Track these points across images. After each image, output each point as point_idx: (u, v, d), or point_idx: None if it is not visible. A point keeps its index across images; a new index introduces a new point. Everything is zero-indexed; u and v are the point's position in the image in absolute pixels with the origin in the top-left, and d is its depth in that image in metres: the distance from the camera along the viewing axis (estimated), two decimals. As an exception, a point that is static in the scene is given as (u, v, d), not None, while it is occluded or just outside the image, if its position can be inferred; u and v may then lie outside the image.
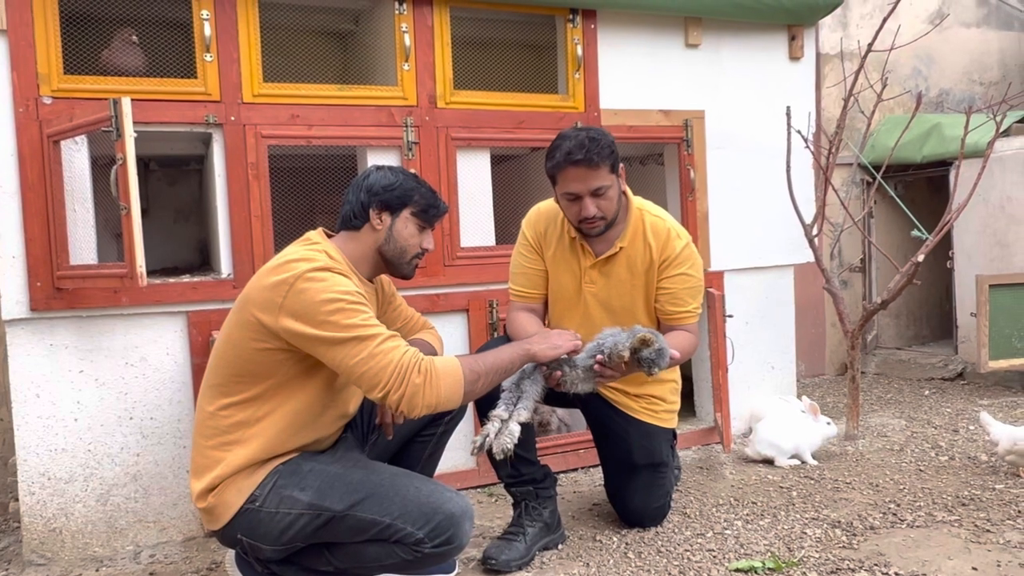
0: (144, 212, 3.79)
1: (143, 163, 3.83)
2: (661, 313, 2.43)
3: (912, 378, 4.80)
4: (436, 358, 1.90)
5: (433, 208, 2.14)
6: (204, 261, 3.82)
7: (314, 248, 2.00)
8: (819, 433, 3.20)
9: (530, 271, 2.50)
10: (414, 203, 2.10)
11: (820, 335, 5.06)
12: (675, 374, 2.60)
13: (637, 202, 2.46)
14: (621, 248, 2.41)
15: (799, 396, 3.66)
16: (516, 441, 2.05)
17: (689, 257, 2.42)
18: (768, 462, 3.19)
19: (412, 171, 2.22)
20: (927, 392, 4.42)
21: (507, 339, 2.38)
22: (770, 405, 3.48)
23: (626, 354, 2.09)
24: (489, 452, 2.10)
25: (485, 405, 2.23)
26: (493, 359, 1.99)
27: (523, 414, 2.08)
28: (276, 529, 1.92)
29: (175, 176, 3.95)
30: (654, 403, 2.52)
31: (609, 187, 2.30)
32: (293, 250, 2.01)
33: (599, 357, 2.12)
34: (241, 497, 1.93)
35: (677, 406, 2.61)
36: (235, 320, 1.96)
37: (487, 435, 2.04)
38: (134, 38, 2.71)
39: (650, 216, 2.44)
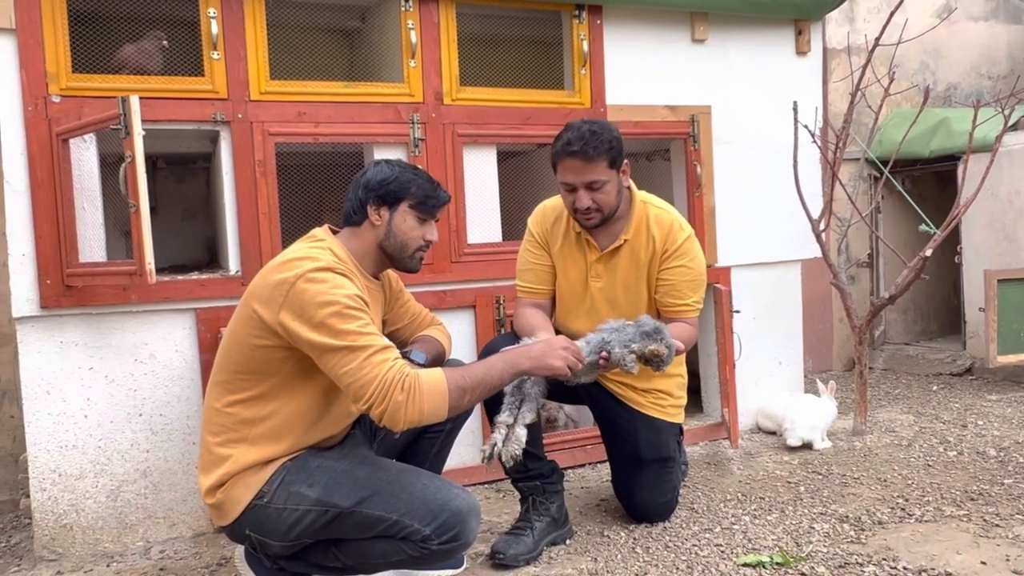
0: (152, 210, 3.80)
1: (151, 161, 3.84)
2: (661, 305, 2.44)
3: (920, 373, 4.79)
4: (423, 372, 1.87)
5: (432, 199, 2.12)
6: (212, 258, 3.83)
7: (318, 246, 2.01)
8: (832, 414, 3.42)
9: (537, 267, 2.51)
10: (411, 195, 2.09)
11: (828, 330, 5.05)
12: (681, 368, 2.60)
13: (641, 196, 2.47)
14: (625, 241, 2.42)
15: (806, 392, 3.67)
16: (524, 446, 2.06)
17: (690, 250, 2.43)
18: (807, 447, 3.31)
19: (413, 164, 2.20)
20: (935, 387, 4.41)
21: (513, 336, 2.38)
22: (782, 398, 3.49)
23: (635, 369, 2.11)
24: (499, 459, 2.11)
25: (492, 408, 2.24)
26: (483, 375, 1.93)
27: (528, 416, 2.08)
28: (284, 525, 1.93)
29: (183, 174, 3.97)
30: (661, 398, 2.52)
31: (606, 182, 2.31)
32: (298, 248, 2.01)
33: (604, 354, 2.11)
34: (249, 493, 1.93)
35: (683, 401, 2.61)
36: (239, 316, 1.97)
37: (495, 443, 2.05)
38: (165, 42, 2.71)
39: (654, 208, 2.46)
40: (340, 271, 1.92)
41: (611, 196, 2.34)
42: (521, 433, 2.06)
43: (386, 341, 1.89)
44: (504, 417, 2.09)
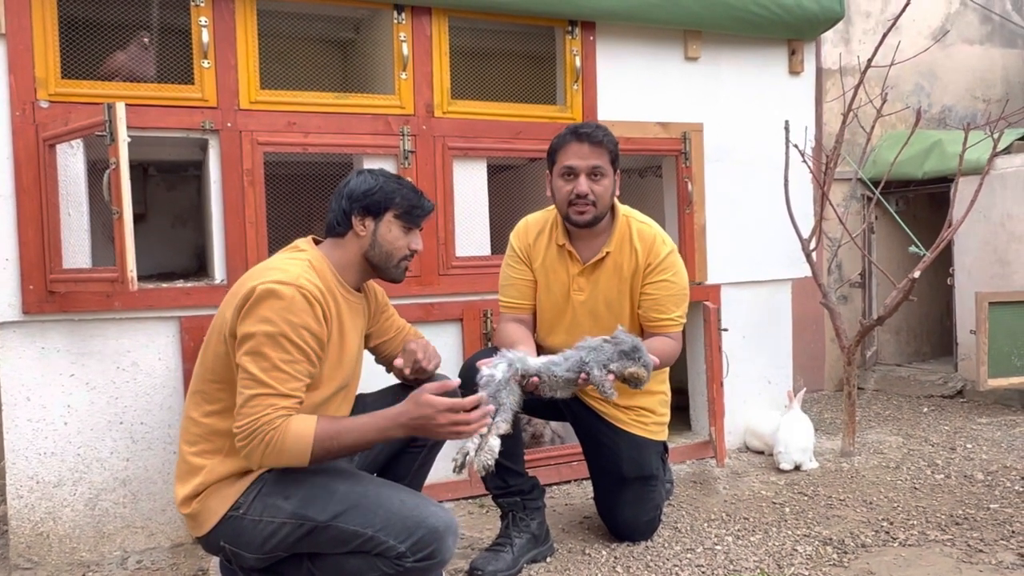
0: (142, 217, 3.84)
1: (142, 168, 3.84)
2: (644, 320, 2.43)
3: (911, 395, 4.77)
4: (292, 427, 1.82)
5: (417, 208, 2.11)
6: (201, 267, 3.83)
7: (297, 257, 1.99)
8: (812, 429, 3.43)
9: (519, 282, 2.50)
10: (396, 205, 2.07)
11: (819, 350, 5.03)
12: (664, 386, 2.59)
13: (623, 210, 2.48)
14: (608, 253, 2.42)
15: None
16: (496, 456, 2.02)
17: (673, 264, 2.43)
18: (796, 468, 3.30)
19: (396, 174, 2.18)
20: (926, 409, 4.39)
21: (495, 351, 2.35)
22: (771, 418, 3.47)
23: (614, 395, 2.12)
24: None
25: None
26: (354, 440, 1.89)
27: (502, 427, 2.05)
28: (259, 537, 1.91)
29: (174, 181, 3.96)
30: (643, 415, 2.50)
31: (606, 175, 2.35)
32: (275, 259, 2.01)
33: (583, 377, 2.10)
34: (225, 504, 1.91)
35: (667, 418, 2.59)
36: (214, 326, 1.97)
37: (467, 452, 2.02)
38: (145, 40, 2.71)
39: (636, 223, 2.46)
40: (307, 292, 1.89)
41: (607, 192, 2.37)
42: (495, 443, 2.02)
43: (291, 388, 1.85)
44: None
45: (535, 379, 2.12)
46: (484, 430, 2.02)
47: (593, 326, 2.39)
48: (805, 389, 3.51)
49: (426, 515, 1.90)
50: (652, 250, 2.41)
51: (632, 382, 2.11)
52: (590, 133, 2.33)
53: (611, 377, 2.09)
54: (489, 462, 2.00)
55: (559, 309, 2.48)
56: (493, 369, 2.08)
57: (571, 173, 2.34)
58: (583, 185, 2.32)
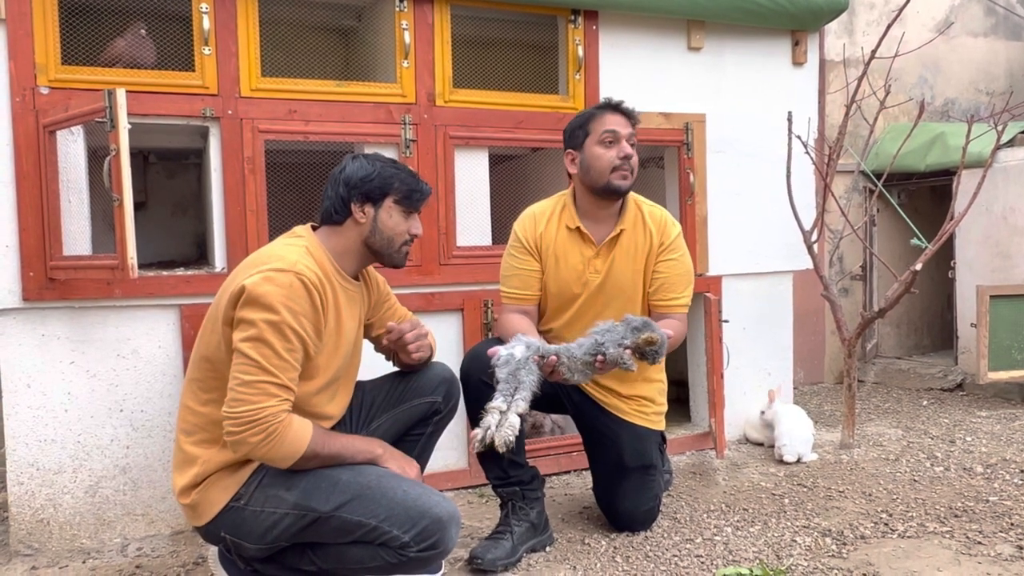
0: (142, 205, 3.83)
1: (143, 156, 3.83)
2: (653, 300, 2.47)
3: (911, 388, 4.77)
4: (295, 424, 1.85)
5: (416, 192, 2.09)
6: (202, 255, 3.82)
7: (295, 244, 1.98)
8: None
9: (523, 273, 2.49)
10: (395, 190, 2.06)
11: (820, 343, 5.03)
12: (662, 375, 2.60)
13: (631, 194, 2.51)
14: (622, 230, 2.44)
15: (794, 402, 3.65)
16: (517, 432, 2.01)
17: (681, 245, 2.51)
18: (798, 461, 3.30)
19: (391, 158, 2.16)
20: (926, 402, 4.39)
21: (497, 341, 2.34)
22: (771, 410, 3.46)
23: (634, 367, 2.11)
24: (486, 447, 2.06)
25: (473, 400, 2.23)
26: (339, 449, 1.95)
27: (521, 405, 2.03)
28: (261, 528, 1.90)
29: (174, 169, 3.95)
30: (644, 405, 2.51)
31: (635, 148, 2.43)
32: (273, 246, 2.01)
33: (600, 358, 2.11)
34: (226, 495, 1.91)
35: (665, 408, 2.60)
36: (211, 313, 1.96)
37: (488, 428, 1.99)
38: (143, 31, 2.71)
39: (647, 205, 2.52)
40: (305, 278, 1.88)
41: (637, 165, 2.44)
42: (515, 420, 2.01)
43: (291, 378, 1.86)
44: (498, 403, 2.04)
45: (553, 358, 2.11)
46: (504, 407, 2.02)
47: (604, 309, 2.41)
48: (781, 387, 3.51)
49: (430, 505, 1.90)
50: (664, 230, 2.47)
51: (649, 354, 2.11)
52: (625, 106, 2.42)
53: (628, 352, 2.10)
54: (510, 438, 2.00)
55: (570, 292, 2.47)
56: (512, 349, 2.09)
57: (614, 138, 2.38)
58: (628, 147, 2.38)
